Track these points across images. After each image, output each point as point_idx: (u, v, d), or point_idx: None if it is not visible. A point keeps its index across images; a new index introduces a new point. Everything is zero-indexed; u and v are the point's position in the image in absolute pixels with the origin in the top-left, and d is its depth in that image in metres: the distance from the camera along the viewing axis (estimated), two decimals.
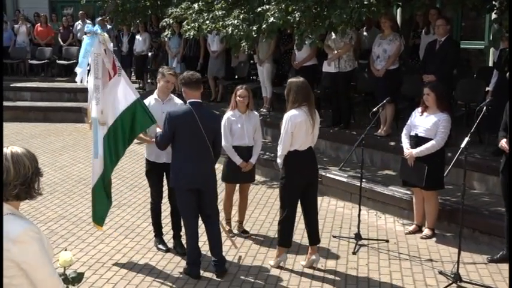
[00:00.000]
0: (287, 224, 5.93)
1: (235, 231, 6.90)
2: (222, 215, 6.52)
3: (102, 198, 6.10)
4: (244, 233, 6.88)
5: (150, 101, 6.20)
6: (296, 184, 5.81)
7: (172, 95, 6.29)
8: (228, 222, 6.87)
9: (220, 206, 6.57)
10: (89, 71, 5.92)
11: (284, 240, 5.96)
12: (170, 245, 6.46)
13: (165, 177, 6.29)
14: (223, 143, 6.23)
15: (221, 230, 5.95)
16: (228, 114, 6.66)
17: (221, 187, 6.73)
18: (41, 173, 2.69)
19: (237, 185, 6.89)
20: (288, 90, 5.84)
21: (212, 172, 5.79)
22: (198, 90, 5.70)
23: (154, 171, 6.32)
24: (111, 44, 5.98)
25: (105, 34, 5.90)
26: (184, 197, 5.69)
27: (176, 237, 6.37)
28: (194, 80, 5.65)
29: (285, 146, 5.74)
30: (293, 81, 5.89)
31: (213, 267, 5.81)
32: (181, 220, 5.98)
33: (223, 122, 6.48)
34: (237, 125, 6.59)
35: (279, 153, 5.85)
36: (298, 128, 5.67)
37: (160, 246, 6.44)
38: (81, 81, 6.09)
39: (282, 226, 5.95)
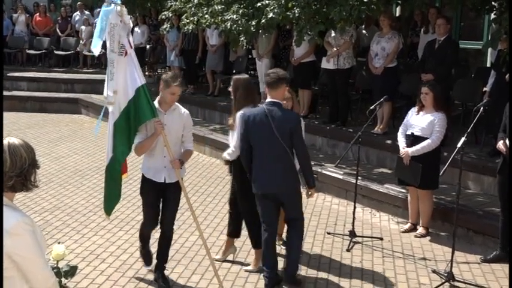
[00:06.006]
0: (258, 222, 5.62)
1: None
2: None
3: (110, 187, 5.48)
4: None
5: None
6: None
7: (177, 103, 5.40)
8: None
9: None
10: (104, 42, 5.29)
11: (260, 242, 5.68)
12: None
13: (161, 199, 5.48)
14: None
15: None
16: None
17: None
18: (38, 165, 2.68)
19: None
20: (235, 88, 5.63)
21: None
22: (275, 90, 5.23)
23: (151, 190, 5.42)
24: (129, 17, 5.30)
25: (123, 6, 5.26)
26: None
27: (159, 268, 5.54)
28: (274, 79, 5.22)
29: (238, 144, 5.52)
30: (243, 79, 5.74)
31: None
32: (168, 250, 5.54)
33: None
34: None
35: (230, 150, 5.60)
36: None
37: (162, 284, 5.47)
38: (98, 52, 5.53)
39: (257, 226, 5.64)
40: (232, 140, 5.65)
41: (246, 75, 6.01)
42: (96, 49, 5.35)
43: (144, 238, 5.65)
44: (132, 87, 5.18)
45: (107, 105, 5.31)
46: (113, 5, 5.14)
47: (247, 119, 5.24)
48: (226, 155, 5.71)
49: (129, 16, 5.28)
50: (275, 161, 5.22)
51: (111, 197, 5.49)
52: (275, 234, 5.56)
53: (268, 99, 5.28)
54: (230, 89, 5.73)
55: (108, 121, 5.35)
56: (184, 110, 5.43)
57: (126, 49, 5.22)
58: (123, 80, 5.20)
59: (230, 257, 6.05)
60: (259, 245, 5.65)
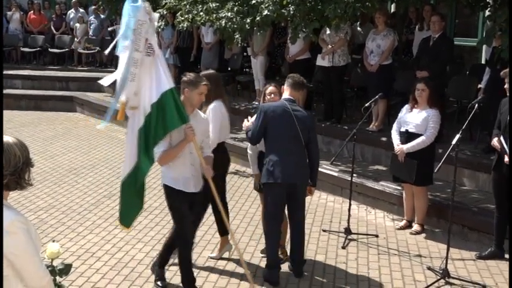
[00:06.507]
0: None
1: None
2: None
3: (130, 198, 5.03)
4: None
5: None
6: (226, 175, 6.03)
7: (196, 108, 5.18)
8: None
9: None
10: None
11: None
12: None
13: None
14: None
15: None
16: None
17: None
18: (32, 163, 2.67)
19: None
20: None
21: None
22: (296, 91, 5.59)
23: (183, 201, 5.02)
24: (157, 15, 4.89)
25: (148, 3, 4.79)
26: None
27: (161, 266, 5.48)
28: (300, 82, 5.62)
29: (216, 137, 5.62)
30: (214, 74, 5.92)
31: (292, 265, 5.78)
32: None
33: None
34: None
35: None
36: (225, 118, 5.73)
37: None
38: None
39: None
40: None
41: (213, 71, 6.15)
42: (118, 49, 4.80)
43: (190, 264, 5.21)
44: (157, 90, 4.73)
45: (128, 109, 4.79)
46: (140, 1, 4.69)
47: (266, 111, 5.45)
48: None
49: (157, 14, 5.00)
50: (296, 154, 5.46)
51: (131, 206, 5.06)
52: (280, 226, 5.65)
53: (288, 97, 5.56)
54: None
55: (127, 126, 4.95)
56: (203, 114, 5.28)
57: (155, 49, 4.80)
58: (149, 82, 4.77)
59: (226, 255, 6.05)
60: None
